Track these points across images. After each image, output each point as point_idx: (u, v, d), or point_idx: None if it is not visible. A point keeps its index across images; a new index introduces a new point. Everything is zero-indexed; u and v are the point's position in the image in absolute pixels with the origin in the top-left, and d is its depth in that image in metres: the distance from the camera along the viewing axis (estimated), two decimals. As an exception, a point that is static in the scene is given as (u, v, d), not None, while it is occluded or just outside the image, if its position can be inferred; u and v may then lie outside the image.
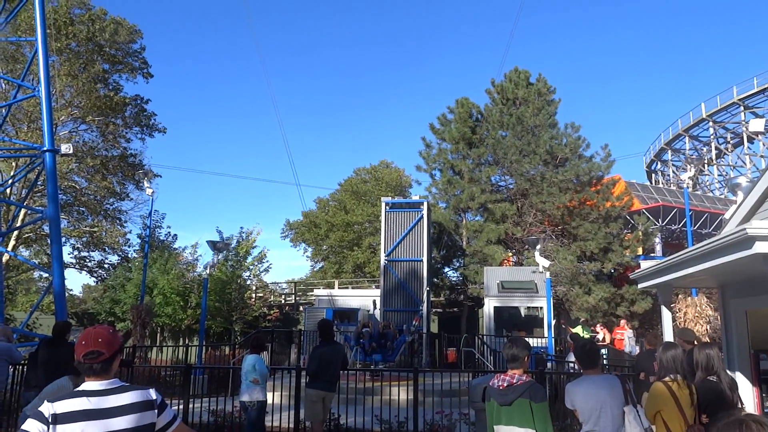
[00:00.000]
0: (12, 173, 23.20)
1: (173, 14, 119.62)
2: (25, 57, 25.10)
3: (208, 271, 18.37)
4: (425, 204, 21.91)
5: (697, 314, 16.74)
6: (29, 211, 23.48)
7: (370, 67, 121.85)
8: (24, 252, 30.22)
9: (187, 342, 27.25)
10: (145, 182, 23.64)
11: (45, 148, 15.14)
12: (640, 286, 9.58)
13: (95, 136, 29.24)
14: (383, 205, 22.04)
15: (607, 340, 17.22)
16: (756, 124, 20.02)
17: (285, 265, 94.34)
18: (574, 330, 17.58)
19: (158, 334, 28.93)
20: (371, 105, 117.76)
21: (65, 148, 16.94)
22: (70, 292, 39.43)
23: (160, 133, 30.55)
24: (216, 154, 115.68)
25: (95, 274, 31.94)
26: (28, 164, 18.78)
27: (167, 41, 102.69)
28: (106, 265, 31.68)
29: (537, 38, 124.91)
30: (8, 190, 23.26)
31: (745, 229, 5.25)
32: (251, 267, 28.61)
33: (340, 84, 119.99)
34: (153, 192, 23.08)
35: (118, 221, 30.76)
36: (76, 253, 31.12)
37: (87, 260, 31.40)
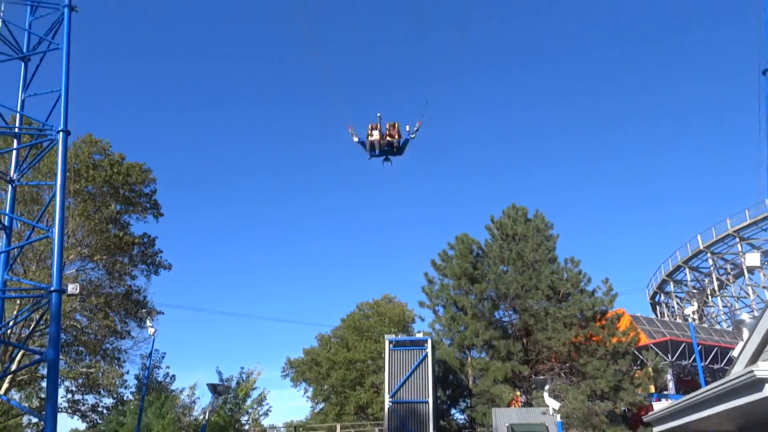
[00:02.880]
0: (15, 312, 23.11)
1: (180, 149, 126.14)
2: (41, 198, 26.04)
3: (206, 416, 17.67)
4: (429, 341, 21.59)
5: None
6: (27, 353, 23.01)
7: (371, 202, 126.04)
8: (15, 395, 29.15)
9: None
10: (147, 321, 23.50)
11: (52, 288, 15.21)
12: (655, 429, 9.26)
13: (101, 275, 29.47)
14: (387, 342, 21.69)
15: None
16: (752, 259, 20.41)
17: (285, 406, 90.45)
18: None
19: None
20: (374, 240, 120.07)
21: (72, 288, 17.11)
22: (58, 438, 37.33)
23: (166, 270, 30.69)
24: (218, 292, 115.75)
25: (87, 419, 30.51)
26: (33, 304, 18.75)
27: (171, 181, 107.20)
28: (100, 409, 30.38)
29: (532, 172, 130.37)
30: (8, 331, 22.99)
31: (752, 371, 5.23)
32: (250, 410, 27.55)
33: (344, 222, 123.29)
34: (155, 331, 22.90)
35: (116, 361, 30.00)
36: (69, 396, 29.99)
37: (80, 404, 30.16)
